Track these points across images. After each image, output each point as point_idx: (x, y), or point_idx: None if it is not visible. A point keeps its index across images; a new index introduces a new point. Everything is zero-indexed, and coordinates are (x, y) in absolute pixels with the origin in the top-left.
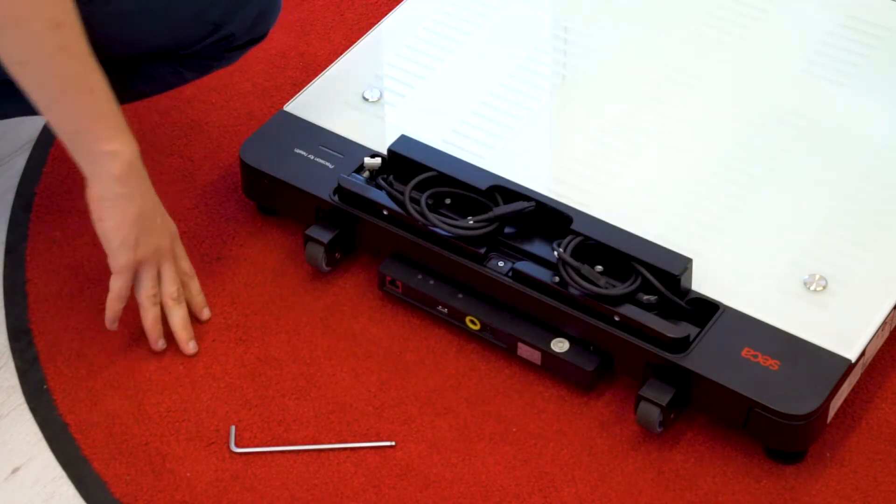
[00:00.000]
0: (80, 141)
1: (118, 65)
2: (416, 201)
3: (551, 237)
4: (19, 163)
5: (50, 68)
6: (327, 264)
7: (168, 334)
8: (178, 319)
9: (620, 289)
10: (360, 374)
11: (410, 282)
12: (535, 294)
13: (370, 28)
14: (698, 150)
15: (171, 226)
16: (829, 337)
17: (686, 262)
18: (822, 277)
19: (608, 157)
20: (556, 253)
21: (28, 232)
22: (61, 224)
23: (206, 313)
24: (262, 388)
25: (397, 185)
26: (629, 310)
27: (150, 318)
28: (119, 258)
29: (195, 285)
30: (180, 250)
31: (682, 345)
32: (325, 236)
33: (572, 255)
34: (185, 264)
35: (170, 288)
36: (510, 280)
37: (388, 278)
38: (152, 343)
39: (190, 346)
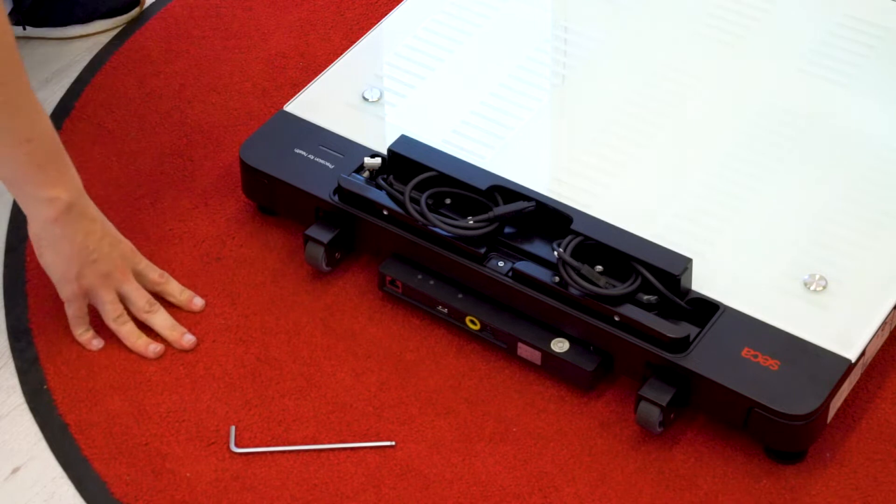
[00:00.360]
0: (18, 186)
1: None
2: (416, 201)
3: (551, 237)
4: None
5: None
6: (327, 264)
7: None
8: (160, 323)
9: (620, 289)
10: (360, 374)
11: (410, 282)
12: (535, 294)
13: (370, 28)
14: (698, 149)
15: (125, 248)
16: (829, 337)
17: (686, 262)
18: (822, 277)
19: (608, 157)
20: (556, 253)
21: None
22: None
23: (197, 304)
24: (262, 388)
25: (397, 185)
26: (629, 310)
27: (126, 336)
28: (63, 290)
29: (173, 286)
30: (143, 265)
31: (682, 345)
32: (325, 236)
33: (572, 255)
34: (153, 275)
35: (138, 304)
36: (510, 280)
37: (388, 278)
38: (144, 355)
39: (185, 341)
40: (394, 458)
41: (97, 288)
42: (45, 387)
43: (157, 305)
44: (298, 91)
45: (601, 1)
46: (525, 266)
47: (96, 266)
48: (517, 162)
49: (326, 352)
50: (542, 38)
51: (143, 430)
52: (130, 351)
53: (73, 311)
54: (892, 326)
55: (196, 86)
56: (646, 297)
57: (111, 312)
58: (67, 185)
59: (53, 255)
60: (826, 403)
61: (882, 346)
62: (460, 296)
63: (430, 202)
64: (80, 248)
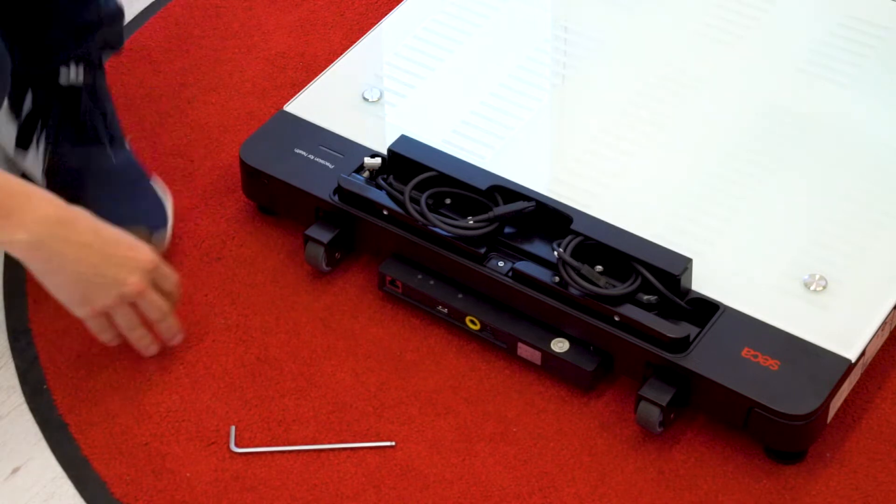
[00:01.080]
0: None
1: None
2: (416, 201)
3: (551, 237)
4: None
5: None
6: (327, 264)
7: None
8: (166, 332)
9: (620, 289)
10: (360, 374)
11: (410, 282)
12: (535, 294)
13: (370, 28)
14: (698, 149)
15: (140, 262)
16: (829, 337)
17: (686, 262)
18: (822, 277)
19: (608, 157)
20: (556, 253)
21: None
22: None
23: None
24: (262, 388)
25: (397, 185)
26: (629, 310)
27: (137, 341)
28: (76, 312)
29: (174, 296)
30: (160, 274)
31: (682, 345)
32: (325, 236)
33: (572, 255)
34: (167, 285)
35: (150, 316)
36: (510, 280)
37: (388, 278)
38: (146, 355)
39: (177, 339)
40: (394, 458)
41: (110, 306)
42: (45, 387)
43: (166, 314)
44: (298, 91)
45: (601, 1)
46: (525, 266)
47: (103, 290)
48: (517, 162)
49: (326, 352)
50: (542, 38)
51: (143, 430)
52: (131, 350)
53: (94, 325)
54: (892, 326)
55: (196, 86)
56: (646, 297)
57: (125, 325)
58: (22, 225)
59: (49, 286)
60: (826, 403)
61: (882, 346)
62: (460, 296)
63: (430, 202)
64: (74, 277)
